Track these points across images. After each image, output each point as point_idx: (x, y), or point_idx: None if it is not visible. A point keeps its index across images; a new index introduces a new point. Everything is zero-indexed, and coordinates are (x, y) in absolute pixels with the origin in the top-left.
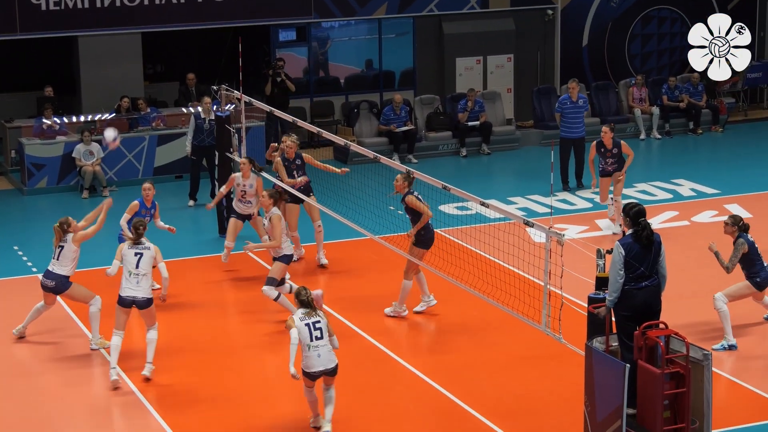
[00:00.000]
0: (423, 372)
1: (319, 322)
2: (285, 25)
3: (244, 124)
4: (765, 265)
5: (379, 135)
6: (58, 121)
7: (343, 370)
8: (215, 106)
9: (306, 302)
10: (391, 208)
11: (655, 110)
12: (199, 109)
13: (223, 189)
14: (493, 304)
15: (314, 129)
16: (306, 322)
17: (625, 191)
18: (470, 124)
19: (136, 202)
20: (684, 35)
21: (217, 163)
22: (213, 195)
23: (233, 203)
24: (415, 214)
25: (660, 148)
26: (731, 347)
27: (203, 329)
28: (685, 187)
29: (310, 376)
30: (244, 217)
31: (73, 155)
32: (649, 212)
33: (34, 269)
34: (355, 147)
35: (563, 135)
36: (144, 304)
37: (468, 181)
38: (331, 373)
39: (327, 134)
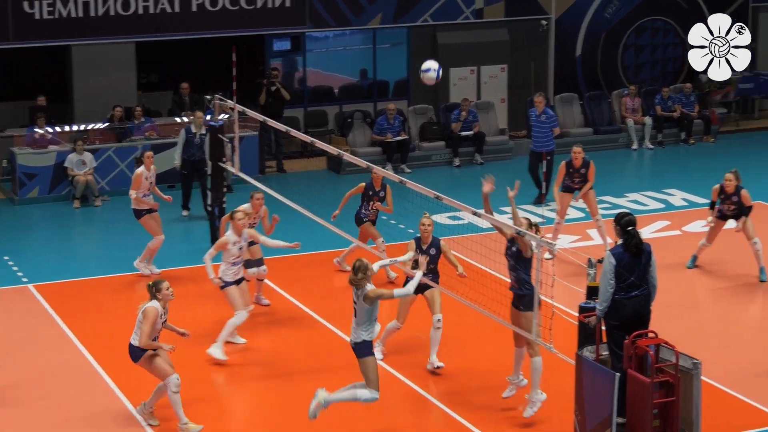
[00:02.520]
0: (416, 383)
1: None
2: (280, 35)
3: (238, 134)
4: None
5: (373, 145)
6: (51, 131)
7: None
8: (209, 116)
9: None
10: (384, 217)
11: (648, 120)
12: (187, 120)
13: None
14: (484, 313)
15: (307, 139)
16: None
17: (618, 201)
18: (463, 134)
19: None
20: (677, 46)
21: (210, 173)
22: (205, 206)
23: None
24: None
25: (652, 158)
26: None
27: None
28: (677, 197)
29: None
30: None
31: (65, 165)
32: (640, 222)
33: (25, 279)
34: (348, 157)
35: (532, 148)
36: None
37: (461, 191)
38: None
39: (320, 144)
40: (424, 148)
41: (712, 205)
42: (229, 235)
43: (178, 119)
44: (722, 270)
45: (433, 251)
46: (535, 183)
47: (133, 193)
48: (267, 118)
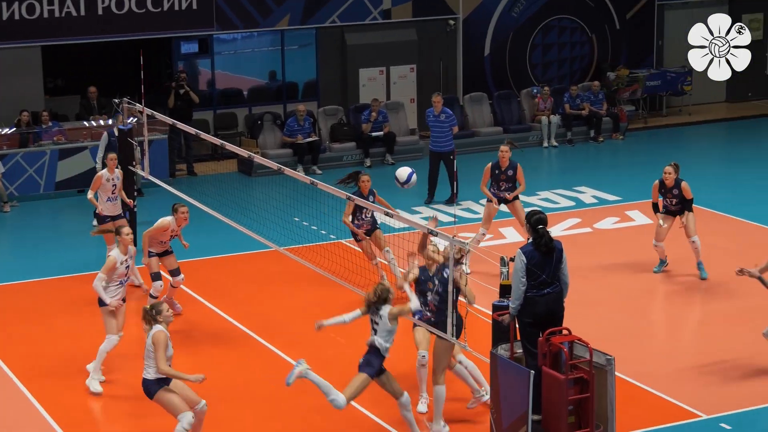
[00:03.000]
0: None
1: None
2: (187, 37)
3: (147, 138)
4: None
5: (283, 146)
6: None
7: (249, 381)
8: (117, 117)
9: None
10: (296, 219)
11: (554, 119)
12: (107, 122)
13: None
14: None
15: (217, 141)
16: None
17: (528, 199)
18: (374, 134)
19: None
20: (584, 44)
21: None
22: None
23: None
24: None
25: (562, 156)
26: None
27: None
28: (587, 194)
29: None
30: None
31: None
32: (551, 219)
33: None
34: (258, 159)
35: (431, 148)
36: None
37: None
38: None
39: (230, 146)
40: (335, 149)
41: (655, 207)
42: (116, 254)
43: (86, 123)
44: (634, 266)
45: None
46: (431, 185)
47: (90, 194)
48: (176, 121)
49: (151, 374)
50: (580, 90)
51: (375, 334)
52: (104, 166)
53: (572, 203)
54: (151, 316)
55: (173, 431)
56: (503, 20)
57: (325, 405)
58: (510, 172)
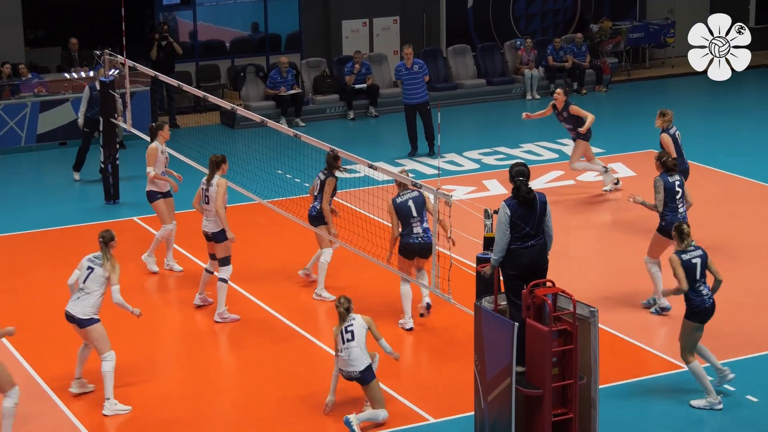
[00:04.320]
0: (315, 336)
1: (351, 325)
2: None
3: (129, 90)
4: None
5: (266, 99)
6: None
7: (239, 334)
8: (99, 71)
9: (341, 314)
10: (279, 171)
11: (535, 72)
12: (89, 73)
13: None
14: (382, 266)
15: (200, 93)
16: (341, 329)
17: (512, 151)
18: (357, 86)
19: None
20: None
21: (101, 129)
22: (104, 165)
23: None
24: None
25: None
26: (664, 309)
27: None
28: (571, 146)
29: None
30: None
31: None
32: (535, 172)
33: None
34: (241, 111)
35: (405, 101)
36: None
37: (356, 144)
38: (362, 378)
39: (213, 98)
40: (318, 101)
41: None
42: (156, 144)
43: (67, 75)
44: (617, 218)
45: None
46: (411, 137)
47: (150, 170)
48: (158, 73)
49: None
50: (563, 42)
51: (352, 339)
52: (86, 121)
53: (555, 155)
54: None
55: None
56: None
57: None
58: (565, 114)
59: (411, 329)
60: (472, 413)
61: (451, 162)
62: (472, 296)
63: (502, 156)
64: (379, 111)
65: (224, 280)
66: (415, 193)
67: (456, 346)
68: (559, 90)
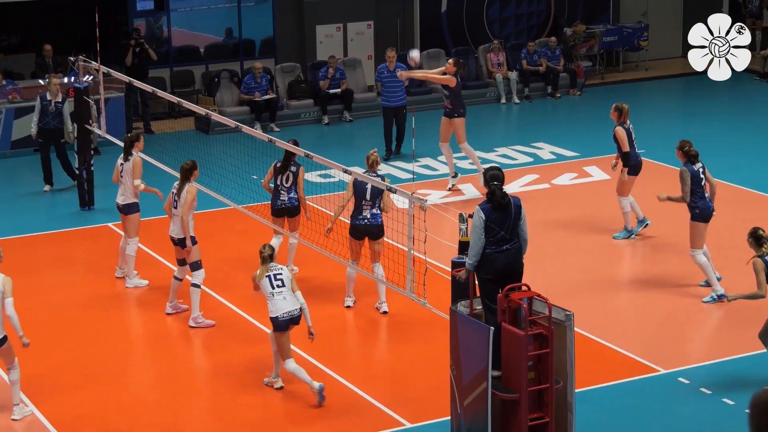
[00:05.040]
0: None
1: (280, 273)
2: None
3: (103, 96)
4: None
5: (241, 104)
6: None
7: (214, 339)
8: (73, 77)
9: (265, 258)
10: (254, 177)
11: (512, 75)
12: (63, 80)
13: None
14: (357, 270)
15: (174, 99)
16: (267, 274)
17: (487, 155)
18: (331, 91)
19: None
20: (541, 0)
21: (76, 135)
22: (71, 175)
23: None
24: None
25: (519, 112)
26: (720, 297)
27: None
28: (545, 150)
29: (278, 324)
30: None
31: None
32: (509, 176)
33: None
34: (216, 117)
35: (383, 104)
36: None
37: (331, 148)
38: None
39: (187, 104)
40: (293, 106)
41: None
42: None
43: (41, 81)
44: (591, 222)
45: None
46: (387, 140)
47: (140, 183)
48: (132, 79)
49: None
50: (537, 46)
51: (283, 285)
52: (39, 132)
53: (530, 159)
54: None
55: None
56: None
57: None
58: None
59: (349, 307)
60: (449, 418)
61: (426, 166)
62: (448, 300)
63: None
64: (353, 116)
65: (197, 285)
66: (378, 179)
67: (431, 351)
68: (450, 60)
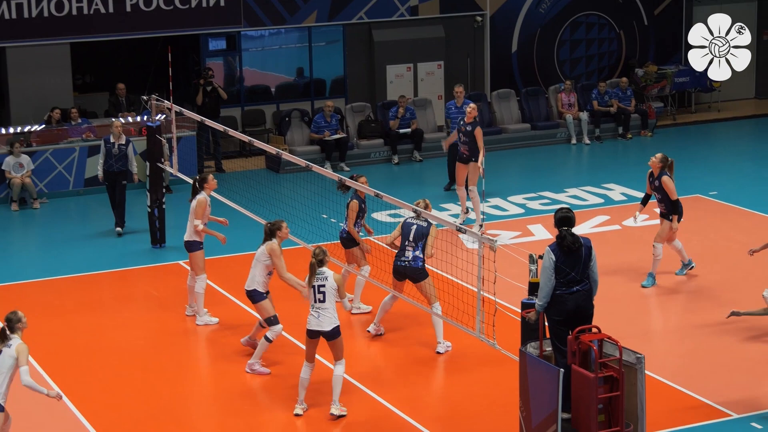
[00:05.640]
0: (355, 378)
1: (323, 285)
2: (215, 34)
3: (175, 134)
4: None
5: (311, 143)
6: None
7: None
8: (146, 116)
9: (312, 264)
10: (324, 216)
11: (584, 115)
12: (136, 119)
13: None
14: (426, 310)
15: (245, 138)
16: (313, 284)
17: (557, 196)
18: (401, 131)
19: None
20: (613, 41)
21: (148, 173)
22: (119, 222)
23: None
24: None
25: (590, 153)
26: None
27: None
28: (616, 191)
29: (308, 334)
30: None
31: (3, 168)
32: (580, 217)
33: None
34: (286, 156)
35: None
36: None
37: (400, 188)
38: (330, 335)
39: (258, 143)
40: (363, 145)
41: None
42: (204, 196)
43: (114, 120)
44: (663, 264)
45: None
46: (450, 173)
47: (199, 224)
48: (204, 118)
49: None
50: (608, 86)
51: (323, 300)
52: (105, 174)
53: (601, 200)
54: (10, 329)
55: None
56: (530, 16)
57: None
58: (469, 128)
59: (378, 335)
60: None
61: (496, 207)
62: (517, 342)
63: (547, 201)
64: (423, 155)
65: (268, 339)
66: (424, 224)
67: (500, 392)
68: (472, 104)
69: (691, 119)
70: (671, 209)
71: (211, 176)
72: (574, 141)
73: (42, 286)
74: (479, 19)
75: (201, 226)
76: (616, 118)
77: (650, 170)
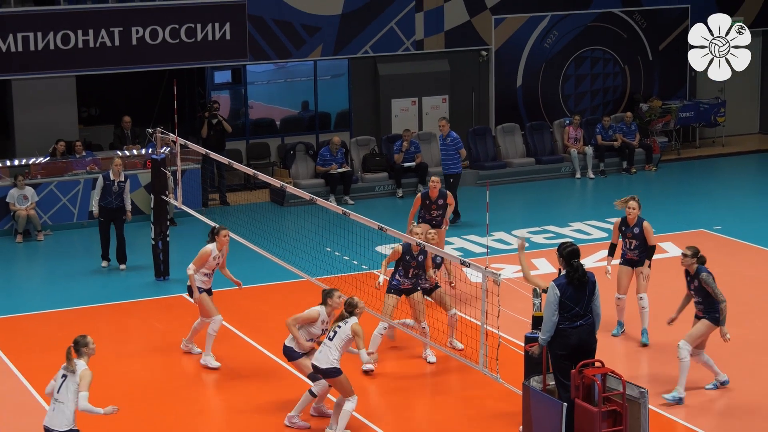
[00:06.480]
0: (358, 411)
1: (339, 327)
2: (220, 68)
3: (180, 167)
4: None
5: (316, 176)
6: None
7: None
8: (151, 149)
9: (342, 314)
10: (328, 249)
11: (589, 150)
12: (141, 151)
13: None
14: (430, 344)
15: (250, 171)
16: (334, 329)
17: (561, 230)
18: (406, 165)
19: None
20: (617, 75)
21: (152, 206)
22: (120, 257)
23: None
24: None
25: (594, 188)
26: (680, 400)
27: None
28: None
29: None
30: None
31: (7, 200)
32: (584, 251)
33: None
34: (291, 189)
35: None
36: None
37: (404, 221)
38: (324, 373)
39: (263, 176)
40: (367, 179)
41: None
42: (212, 247)
43: (120, 153)
44: (666, 298)
45: (421, 258)
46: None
47: (191, 269)
48: (209, 151)
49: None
50: (612, 121)
51: (330, 339)
52: (99, 210)
53: (604, 234)
54: (77, 351)
55: None
56: (535, 51)
57: None
58: (441, 201)
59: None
60: None
61: (500, 240)
62: (521, 376)
63: (551, 235)
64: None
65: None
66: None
67: (504, 426)
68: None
69: (695, 154)
70: (649, 256)
71: (225, 231)
72: (578, 175)
73: (45, 318)
74: (484, 53)
75: (190, 271)
76: (621, 152)
77: (621, 218)
